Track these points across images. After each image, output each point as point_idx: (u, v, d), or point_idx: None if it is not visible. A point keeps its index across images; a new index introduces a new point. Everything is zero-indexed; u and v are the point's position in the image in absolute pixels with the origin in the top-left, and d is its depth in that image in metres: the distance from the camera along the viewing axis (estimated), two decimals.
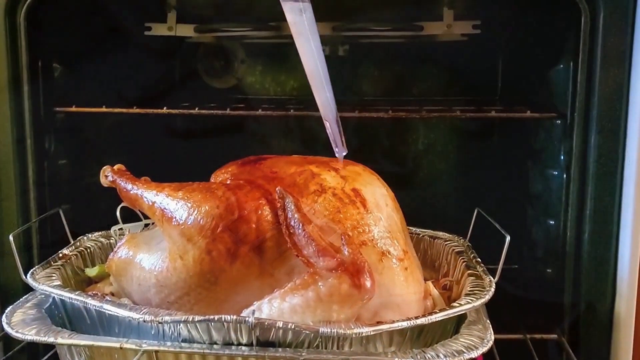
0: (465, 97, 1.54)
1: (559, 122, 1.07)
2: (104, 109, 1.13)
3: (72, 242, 1.07)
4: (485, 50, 1.54)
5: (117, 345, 0.77)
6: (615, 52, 0.95)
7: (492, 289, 0.85)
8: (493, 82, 1.57)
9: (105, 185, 1.02)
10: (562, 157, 1.05)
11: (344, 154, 0.91)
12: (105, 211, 1.11)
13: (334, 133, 0.88)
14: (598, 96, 0.96)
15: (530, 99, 1.27)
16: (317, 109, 1.14)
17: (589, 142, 0.98)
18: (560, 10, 1.04)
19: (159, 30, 1.32)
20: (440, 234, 1.10)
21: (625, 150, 0.96)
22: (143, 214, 1.01)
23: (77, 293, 0.85)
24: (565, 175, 1.03)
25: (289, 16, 0.82)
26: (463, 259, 0.98)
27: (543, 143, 1.18)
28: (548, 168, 1.14)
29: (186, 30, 1.34)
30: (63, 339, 0.79)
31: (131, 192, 0.95)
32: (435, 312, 0.79)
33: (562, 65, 1.07)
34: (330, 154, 1.00)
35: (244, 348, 0.76)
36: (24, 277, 0.91)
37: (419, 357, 0.73)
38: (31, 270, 0.93)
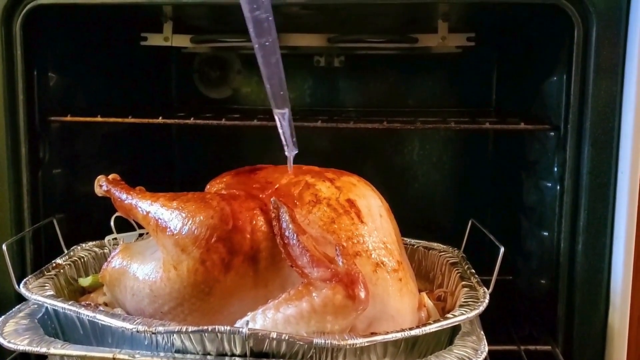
0: (460, 108, 1.55)
1: (552, 134, 1.08)
2: (99, 119, 1.13)
3: (65, 251, 1.06)
4: (479, 62, 1.56)
5: (110, 355, 0.77)
6: (608, 64, 0.95)
7: (486, 300, 0.86)
8: (487, 94, 1.58)
9: (100, 195, 1.02)
10: (555, 169, 1.06)
11: (295, 153, 0.90)
12: (99, 221, 1.11)
13: (285, 131, 0.87)
14: (591, 108, 0.97)
15: (524, 110, 1.28)
16: (312, 120, 1.15)
17: (582, 153, 0.98)
18: (554, 23, 1.05)
19: (155, 40, 1.33)
20: (435, 245, 1.10)
21: (618, 162, 0.97)
22: (137, 223, 1.01)
23: (70, 303, 0.85)
24: (558, 187, 1.04)
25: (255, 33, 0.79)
26: (457, 270, 0.99)
27: (537, 155, 1.19)
28: (542, 179, 1.14)
29: (182, 41, 1.34)
30: (55, 349, 0.78)
31: (125, 201, 0.95)
32: (430, 323, 0.79)
33: (555, 78, 1.08)
34: (326, 164, 1.01)
35: (237, 359, 0.76)
36: (16, 286, 0.91)
37: None
38: (24, 280, 0.92)
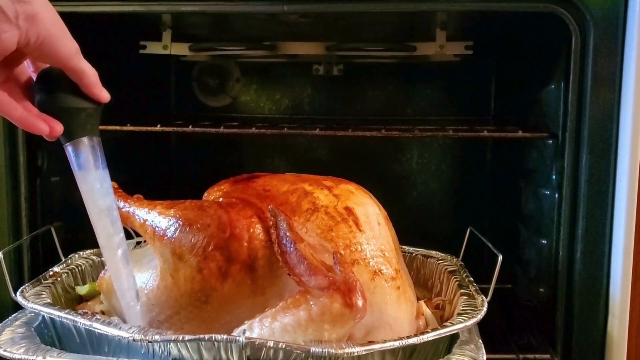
0: (459, 117, 1.55)
1: (550, 142, 1.08)
2: None
3: (63, 259, 1.06)
4: (478, 70, 1.56)
5: None
6: (606, 73, 0.96)
7: (485, 309, 0.85)
8: (486, 102, 1.58)
9: None
10: (553, 177, 1.06)
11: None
12: None
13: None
14: (589, 116, 0.97)
15: (522, 118, 1.28)
16: (311, 128, 1.15)
17: (580, 161, 0.98)
18: (552, 32, 1.05)
19: (154, 48, 1.33)
20: (433, 253, 1.10)
21: (617, 170, 0.97)
22: (135, 231, 1.01)
23: (66, 311, 0.84)
24: (557, 195, 1.04)
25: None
26: (456, 278, 0.98)
27: (535, 163, 1.19)
28: (540, 187, 1.14)
29: (181, 49, 1.35)
30: (52, 357, 0.78)
31: (123, 209, 0.94)
32: (428, 332, 0.79)
33: (553, 86, 1.08)
34: (324, 172, 1.01)
35: None
36: (13, 295, 0.90)
37: None
38: (21, 288, 0.92)
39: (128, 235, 1.08)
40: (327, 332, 0.74)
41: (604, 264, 0.98)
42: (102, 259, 1.08)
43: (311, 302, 0.75)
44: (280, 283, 0.82)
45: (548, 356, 1.03)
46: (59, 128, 0.76)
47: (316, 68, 1.55)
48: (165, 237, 0.84)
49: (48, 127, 0.75)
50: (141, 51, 1.34)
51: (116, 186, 1.02)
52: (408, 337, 0.76)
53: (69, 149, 0.79)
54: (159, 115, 1.53)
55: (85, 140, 0.78)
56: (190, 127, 1.15)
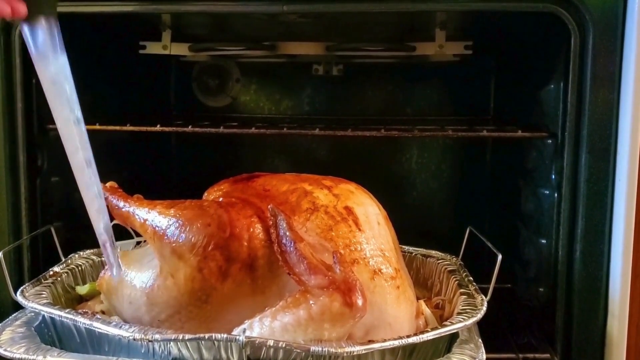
0: (458, 116, 1.55)
1: (550, 141, 1.08)
2: (97, 127, 1.13)
3: (63, 259, 1.06)
4: (477, 70, 1.56)
5: None
6: (605, 72, 0.96)
7: (484, 308, 0.85)
8: (486, 102, 1.59)
9: None
10: (553, 177, 1.06)
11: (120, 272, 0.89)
12: None
13: (109, 253, 0.88)
14: (588, 116, 0.97)
15: (522, 118, 1.28)
16: (310, 128, 1.15)
17: (579, 161, 0.99)
18: (551, 32, 1.05)
19: (153, 48, 1.33)
20: (433, 252, 1.10)
21: (616, 170, 0.97)
22: (135, 231, 1.01)
23: (66, 311, 0.84)
24: (556, 195, 1.04)
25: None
26: (455, 277, 0.99)
27: (534, 162, 1.19)
28: (540, 187, 1.14)
29: (181, 49, 1.35)
30: (52, 357, 0.78)
31: (123, 209, 0.94)
32: (427, 331, 0.79)
33: (552, 86, 1.08)
34: (324, 172, 1.01)
35: None
36: (13, 294, 0.90)
37: None
38: (21, 287, 0.92)
39: (128, 235, 1.08)
40: (327, 331, 0.75)
41: (604, 263, 0.98)
42: (103, 258, 1.08)
43: (311, 302, 0.75)
44: (280, 282, 0.82)
45: (548, 356, 1.03)
46: (21, 9, 0.71)
47: (316, 68, 1.55)
48: (166, 237, 0.84)
49: (9, 7, 0.70)
50: (141, 51, 1.34)
51: (116, 186, 1.02)
52: (408, 337, 0.77)
53: (25, 29, 0.74)
54: (159, 115, 1.53)
55: (42, 19, 0.74)
56: (190, 127, 1.15)
